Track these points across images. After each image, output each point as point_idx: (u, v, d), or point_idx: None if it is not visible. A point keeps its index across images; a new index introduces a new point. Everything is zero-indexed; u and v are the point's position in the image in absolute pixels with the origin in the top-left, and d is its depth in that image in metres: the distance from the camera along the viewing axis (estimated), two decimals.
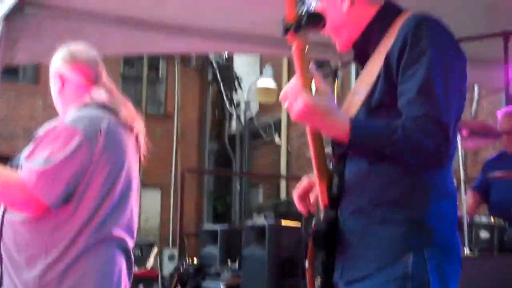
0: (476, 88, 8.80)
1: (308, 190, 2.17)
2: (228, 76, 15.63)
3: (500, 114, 5.13)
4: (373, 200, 1.97)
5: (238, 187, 15.13)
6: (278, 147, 14.09)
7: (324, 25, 1.87)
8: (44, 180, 2.49)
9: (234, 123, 16.08)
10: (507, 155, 4.90)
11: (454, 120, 1.93)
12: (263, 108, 15.03)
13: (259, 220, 6.09)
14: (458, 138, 4.54)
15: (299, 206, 2.17)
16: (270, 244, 5.75)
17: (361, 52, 2.12)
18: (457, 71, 1.97)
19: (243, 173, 15.28)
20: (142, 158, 2.85)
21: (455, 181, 4.43)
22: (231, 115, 16.01)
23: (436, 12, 5.80)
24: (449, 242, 1.99)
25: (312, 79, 1.87)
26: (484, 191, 5.15)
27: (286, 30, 1.85)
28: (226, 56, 15.44)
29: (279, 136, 14.09)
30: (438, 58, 1.91)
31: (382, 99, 1.96)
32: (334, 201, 2.02)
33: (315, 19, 1.85)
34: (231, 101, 15.61)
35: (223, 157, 16.03)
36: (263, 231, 5.87)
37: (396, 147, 1.85)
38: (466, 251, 4.32)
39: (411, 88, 1.90)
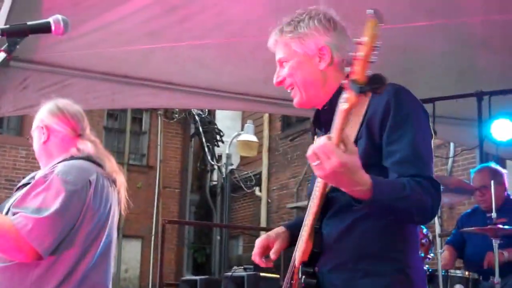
0: (452, 146, 8.92)
1: (268, 246, 2.24)
2: (210, 129, 15.74)
3: (473, 171, 5.22)
4: (354, 256, 2.04)
5: (218, 238, 15.07)
6: (259, 199, 14.12)
7: (381, 92, 1.76)
8: (39, 228, 2.49)
9: (215, 175, 16.12)
10: (480, 210, 4.97)
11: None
12: (244, 161, 15.11)
13: (238, 271, 6.06)
14: None
15: (258, 261, 2.22)
16: None
17: (327, 118, 2.12)
18: (431, 134, 2.12)
19: (223, 224, 15.24)
20: (122, 211, 2.86)
21: (430, 235, 4.52)
22: (212, 167, 16.05)
23: (414, 74, 5.96)
24: None
25: (344, 138, 1.83)
26: (459, 245, 5.20)
27: (360, 90, 1.73)
28: (208, 110, 15.57)
29: (260, 188, 14.13)
30: (418, 121, 2.06)
31: (367, 159, 2.00)
32: (312, 258, 2.07)
33: (380, 83, 1.75)
34: (212, 154, 15.69)
35: (204, 208, 16.00)
36: (242, 282, 5.84)
37: (407, 202, 1.93)
38: None
39: (402, 148, 2.01)
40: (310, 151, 1.80)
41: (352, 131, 2.03)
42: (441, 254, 5.03)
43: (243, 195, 15.06)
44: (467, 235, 5.00)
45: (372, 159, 2.02)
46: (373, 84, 1.72)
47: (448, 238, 5.44)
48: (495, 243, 4.40)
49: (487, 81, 5.69)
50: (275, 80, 2.24)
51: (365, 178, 1.86)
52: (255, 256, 2.23)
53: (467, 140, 6.66)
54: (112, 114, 15.56)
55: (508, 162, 9.77)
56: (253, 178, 14.45)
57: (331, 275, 2.05)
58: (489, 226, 4.43)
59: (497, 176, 5.04)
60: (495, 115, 5.58)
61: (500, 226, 4.38)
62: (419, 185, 1.95)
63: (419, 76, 5.83)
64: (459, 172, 9.08)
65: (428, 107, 5.92)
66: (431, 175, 2.00)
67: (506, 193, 5.14)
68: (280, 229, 2.33)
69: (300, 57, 2.17)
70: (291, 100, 2.22)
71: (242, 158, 15.15)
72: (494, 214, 4.44)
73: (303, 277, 2.05)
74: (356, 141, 2.03)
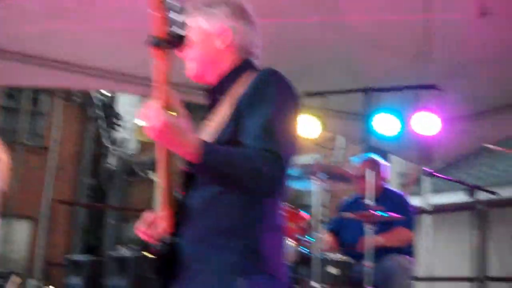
0: (344, 138, 9.12)
1: (153, 222, 2.21)
2: (109, 113, 15.54)
3: (353, 161, 5.43)
4: (210, 229, 2.04)
5: (113, 222, 14.89)
6: (154, 184, 14.03)
7: (183, 49, 1.88)
8: None
9: (112, 159, 15.93)
10: (360, 198, 5.17)
11: (290, 156, 2.03)
12: (143, 146, 14.99)
13: (123, 251, 6.02)
14: (317, 180, 4.82)
15: (146, 238, 2.19)
16: (132, 275, 5.68)
17: (215, 96, 2.22)
18: (294, 116, 2.11)
19: (114, 206, 15.06)
20: (2, 189, 2.80)
21: (311, 220, 4.67)
22: (109, 151, 15.86)
23: (307, 68, 6.10)
24: (278, 271, 2.08)
25: (169, 99, 1.88)
26: (338, 230, 5.39)
27: (156, 44, 1.85)
28: (110, 94, 15.37)
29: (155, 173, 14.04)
30: (281, 101, 2.06)
31: (232, 138, 2.05)
32: (175, 229, 2.07)
33: (182, 41, 1.87)
34: (110, 138, 15.51)
35: (99, 192, 15.79)
36: (125, 262, 5.81)
37: (241, 169, 1.91)
38: (316, 285, 4.51)
39: (255, 124, 2.01)
40: (140, 112, 1.84)
41: (225, 111, 2.12)
42: (322, 239, 5.18)
43: (139, 179, 14.97)
44: (345, 221, 5.15)
45: (235, 137, 2.05)
46: (173, 41, 1.82)
47: (328, 224, 5.62)
48: (368, 228, 4.54)
49: (375, 78, 5.85)
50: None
51: (194, 141, 1.88)
52: (139, 231, 2.20)
53: (355, 134, 6.81)
54: (11, 94, 15.13)
55: (393, 157, 10.23)
56: (149, 163, 14.38)
57: (188, 246, 2.05)
58: (364, 213, 4.57)
59: (375, 166, 5.22)
60: (379, 110, 5.74)
61: (375, 212, 4.52)
62: (260, 156, 1.93)
63: (312, 70, 5.99)
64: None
65: (319, 100, 6.06)
66: (281, 152, 1.97)
67: (384, 183, 5.33)
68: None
69: (202, 33, 2.23)
70: (193, 87, 2.30)
71: (142, 143, 15.02)
72: (369, 201, 4.60)
73: (160, 244, 2.04)
74: (227, 121, 2.08)
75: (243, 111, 2.07)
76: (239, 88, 2.14)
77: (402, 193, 5.42)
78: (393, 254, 4.92)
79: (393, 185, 10.72)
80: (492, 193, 5.12)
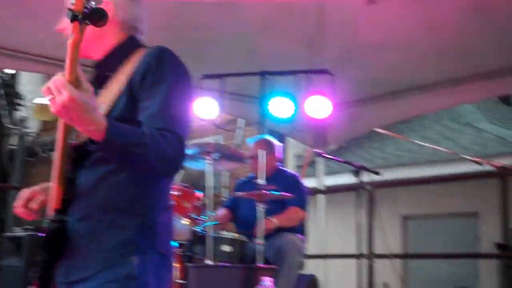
0: (243, 120, 9.12)
1: (30, 198, 2.15)
2: (10, 92, 15.04)
3: (248, 142, 5.48)
4: (101, 207, 2.00)
5: (14, 202, 14.48)
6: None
7: (103, 25, 1.79)
8: None
9: (13, 139, 15.46)
10: (253, 178, 5.23)
11: (187, 137, 2.01)
12: (45, 126, 14.64)
13: (17, 231, 5.88)
14: (211, 160, 4.82)
15: (20, 212, 2.14)
16: (26, 256, 5.58)
17: (102, 73, 2.16)
18: (189, 96, 2.10)
19: (15, 187, 14.67)
20: None
21: (207, 200, 4.67)
22: (11, 131, 15.37)
23: (205, 50, 6.06)
24: (168, 250, 2.09)
25: (78, 75, 1.79)
26: (233, 209, 5.45)
27: (73, 18, 1.75)
28: (11, 73, 14.86)
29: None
30: (177, 82, 2.04)
31: (123, 114, 2.01)
32: (64, 206, 1.99)
33: (101, 16, 1.78)
34: (12, 117, 15.03)
35: (1, 172, 15.29)
36: (20, 242, 5.69)
37: (145, 149, 1.88)
38: (210, 262, 4.54)
39: (154, 104, 1.98)
40: (45, 86, 1.77)
41: (117, 87, 2.07)
42: (216, 215, 5.20)
43: (40, 159, 14.62)
44: (240, 200, 5.18)
45: (131, 115, 2.02)
46: (92, 16, 1.75)
47: (226, 202, 5.66)
48: (260, 207, 4.58)
49: (271, 61, 5.88)
50: (57, 26, 2.21)
51: (100, 118, 1.81)
52: (17, 207, 2.14)
53: (253, 116, 6.83)
54: None
55: (290, 140, 10.37)
56: (51, 143, 14.06)
57: (79, 224, 2.00)
58: (255, 191, 4.60)
59: (268, 147, 5.26)
60: (275, 93, 5.80)
61: (266, 191, 4.57)
62: (161, 136, 1.91)
63: (210, 52, 5.94)
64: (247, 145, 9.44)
65: (218, 82, 6.06)
66: (180, 132, 1.96)
67: (278, 164, 5.38)
68: (48, 184, 2.21)
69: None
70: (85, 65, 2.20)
71: (44, 123, 14.63)
72: (261, 181, 4.64)
73: (47, 221, 1.96)
74: (118, 98, 2.05)
75: (137, 90, 2.04)
76: (130, 66, 2.10)
77: (295, 173, 5.48)
78: (285, 232, 4.99)
79: (290, 167, 10.95)
80: (376, 173, 5.28)
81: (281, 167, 5.44)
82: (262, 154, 4.83)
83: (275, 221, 4.96)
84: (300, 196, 5.13)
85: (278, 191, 4.71)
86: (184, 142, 1.98)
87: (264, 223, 4.66)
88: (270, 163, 5.16)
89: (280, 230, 4.98)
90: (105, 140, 1.83)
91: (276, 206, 5.04)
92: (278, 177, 5.22)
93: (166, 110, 1.98)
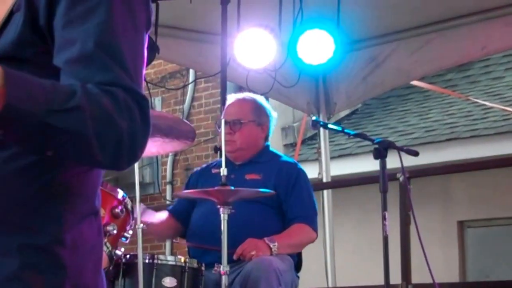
0: (192, 72, 9.19)
1: None
2: None
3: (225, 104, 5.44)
4: None
5: None
6: None
7: None
8: None
9: None
10: (218, 166, 5.15)
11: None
12: None
13: None
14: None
15: None
16: None
17: None
18: (141, 25, 1.99)
19: None
20: None
21: (130, 203, 4.58)
22: None
23: None
24: (93, 284, 2.03)
25: None
26: (182, 214, 5.36)
27: None
28: None
29: None
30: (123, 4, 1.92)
31: (21, 47, 1.90)
32: None
33: None
34: None
35: None
36: None
37: (77, 120, 1.77)
38: None
39: (85, 36, 1.86)
40: None
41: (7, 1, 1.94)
42: (151, 224, 5.16)
43: None
44: (197, 202, 5.21)
45: (30, 49, 1.90)
46: None
47: (171, 205, 5.72)
48: (223, 213, 4.52)
49: None
50: None
51: None
52: None
53: (210, 64, 6.92)
54: None
55: (273, 102, 10.32)
56: None
57: None
58: (216, 187, 4.56)
59: (257, 112, 5.29)
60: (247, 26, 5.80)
61: (231, 187, 4.51)
62: (108, 97, 1.81)
63: None
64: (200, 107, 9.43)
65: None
66: (137, 86, 1.88)
67: (265, 141, 5.39)
68: None
69: None
70: None
71: None
72: (225, 171, 4.54)
73: None
74: (10, 17, 1.93)
75: (39, 8, 1.90)
76: None
77: (295, 161, 5.53)
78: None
79: (274, 146, 10.93)
80: (414, 153, 5.36)
81: (271, 149, 5.47)
82: (247, 124, 5.12)
83: (274, 245, 4.96)
84: (309, 204, 5.19)
85: (263, 183, 4.87)
86: (147, 107, 1.88)
87: (246, 244, 4.81)
88: (255, 140, 5.21)
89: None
90: (5, 106, 1.69)
91: (259, 213, 5.08)
92: (264, 161, 5.28)
93: (109, 47, 1.87)
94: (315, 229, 5.19)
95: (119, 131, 1.81)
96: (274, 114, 5.43)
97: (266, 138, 5.39)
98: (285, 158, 5.52)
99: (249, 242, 4.87)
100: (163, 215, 5.39)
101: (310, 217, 5.17)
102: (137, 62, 1.93)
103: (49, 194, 1.95)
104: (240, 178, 4.97)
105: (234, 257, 4.79)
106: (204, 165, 5.66)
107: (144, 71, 2.01)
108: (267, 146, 5.40)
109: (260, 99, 5.49)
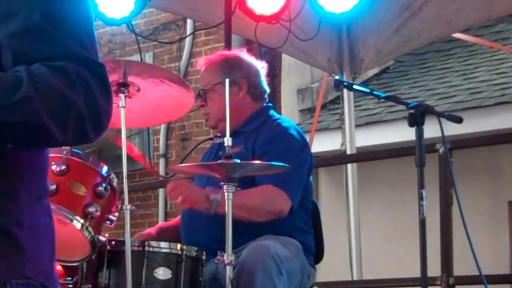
0: (189, 23, 9.19)
1: None
2: None
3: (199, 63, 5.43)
4: None
5: None
6: None
7: None
8: None
9: None
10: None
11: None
12: None
13: None
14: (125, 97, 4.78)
15: None
16: None
17: None
18: None
19: None
20: None
21: (116, 180, 4.60)
22: None
23: None
24: (44, 275, 2.16)
25: None
26: None
27: None
28: None
29: None
30: None
31: None
32: None
33: None
34: None
35: None
36: None
37: (27, 108, 1.93)
38: None
39: (27, 8, 2.00)
40: None
41: None
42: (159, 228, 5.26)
43: None
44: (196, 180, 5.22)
45: None
46: None
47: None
48: (227, 192, 4.55)
49: None
50: None
51: None
52: None
53: (211, 12, 6.97)
54: None
55: (287, 59, 10.32)
56: None
57: None
58: (213, 162, 4.67)
59: (228, 69, 5.23)
60: None
61: (237, 161, 4.53)
62: (58, 75, 1.95)
63: None
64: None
65: None
66: (89, 54, 2.02)
67: (254, 101, 5.34)
68: None
69: None
70: None
71: None
72: (227, 140, 4.56)
73: None
74: None
75: None
76: None
77: (285, 124, 5.38)
78: (263, 234, 5.02)
79: (287, 112, 10.94)
80: (457, 120, 5.27)
81: (271, 112, 5.43)
82: (212, 90, 5.12)
83: (215, 198, 4.85)
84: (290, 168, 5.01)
85: (244, 154, 4.90)
86: (103, 70, 2.05)
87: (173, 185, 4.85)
88: (234, 105, 5.06)
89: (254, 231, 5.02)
90: None
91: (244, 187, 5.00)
92: (251, 133, 5.25)
93: (54, 16, 2.00)
94: (289, 195, 5.05)
95: (76, 107, 1.99)
96: (256, 63, 5.37)
97: (256, 96, 5.36)
98: (277, 121, 5.38)
99: (181, 185, 4.89)
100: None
101: (285, 181, 5.05)
102: (87, 27, 2.09)
103: (4, 171, 2.08)
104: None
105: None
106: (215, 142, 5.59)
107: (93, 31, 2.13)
108: (265, 108, 5.39)
109: (232, 52, 5.52)
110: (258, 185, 5.07)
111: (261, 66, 5.38)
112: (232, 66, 5.27)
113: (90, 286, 4.65)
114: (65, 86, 1.97)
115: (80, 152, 4.66)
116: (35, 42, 2.00)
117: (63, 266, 4.65)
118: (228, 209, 4.60)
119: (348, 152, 7.69)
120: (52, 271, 2.20)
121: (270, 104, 5.44)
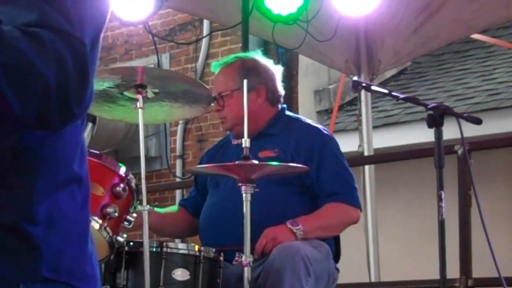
0: (206, 24, 9.18)
1: None
2: None
3: (216, 66, 5.39)
4: None
5: None
6: None
7: None
8: None
9: None
10: (234, 140, 5.25)
11: (91, 44, 1.98)
12: None
13: None
14: (143, 99, 4.78)
15: None
16: None
17: None
18: None
19: None
20: None
21: (134, 179, 4.61)
22: None
23: None
24: (77, 267, 2.10)
25: None
26: (197, 204, 5.40)
27: None
28: None
29: None
30: None
31: None
32: None
33: None
34: None
35: None
36: None
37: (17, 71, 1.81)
38: None
39: None
40: None
41: None
42: (161, 215, 5.24)
43: None
44: (210, 181, 5.23)
45: None
46: None
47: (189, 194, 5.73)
48: (245, 193, 4.56)
49: None
50: None
51: None
52: None
53: (228, 14, 6.99)
54: None
55: (305, 61, 10.32)
56: None
57: None
58: (232, 163, 4.62)
59: (246, 73, 5.16)
60: None
61: (254, 162, 4.54)
62: (30, 40, 1.83)
63: None
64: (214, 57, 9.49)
65: None
66: (71, 29, 1.89)
67: (272, 105, 5.32)
68: None
69: None
70: None
71: None
72: (245, 141, 4.56)
73: None
74: None
75: None
76: None
77: (319, 126, 5.47)
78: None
79: (305, 113, 10.93)
80: (476, 121, 5.25)
81: (287, 113, 5.44)
82: (230, 96, 5.07)
83: (298, 229, 4.96)
84: (342, 178, 5.19)
85: (280, 157, 4.86)
86: (83, 50, 1.91)
87: (264, 238, 4.83)
88: (252, 109, 5.06)
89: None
90: None
91: (285, 196, 5.09)
92: (281, 136, 5.24)
93: None
94: (355, 205, 5.19)
95: (44, 80, 1.84)
96: (272, 67, 5.36)
97: (273, 101, 5.34)
98: (304, 122, 5.43)
99: (267, 234, 4.89)
100: (173, 209, 5.52)
101: (346, 194, 5.16)
102: (79, 5, 1.96)
103: (12, 162, 2.01)
104: (253, 156, 4.81)
105: (255, 255, 4.79)
106: (221, 139, 5.67)
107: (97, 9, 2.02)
108: (282, 110, 5.38)
109: (248, 56, 5.50)
110: (320, 199, 5.14)
111: (277, 69, 5.37)
112: (249, 71, 5.23)
113: (108, 287, 4.66)
114: (36, 54, 1.83)
115: (98, 152, 4.66)
116: (13, 8, 1.89)
117: None
118: (247, 209, 4.59)
119: (366, 153, 7.70)
120: (80, 267, 2.10)
121: (284, 105, 5.44)
